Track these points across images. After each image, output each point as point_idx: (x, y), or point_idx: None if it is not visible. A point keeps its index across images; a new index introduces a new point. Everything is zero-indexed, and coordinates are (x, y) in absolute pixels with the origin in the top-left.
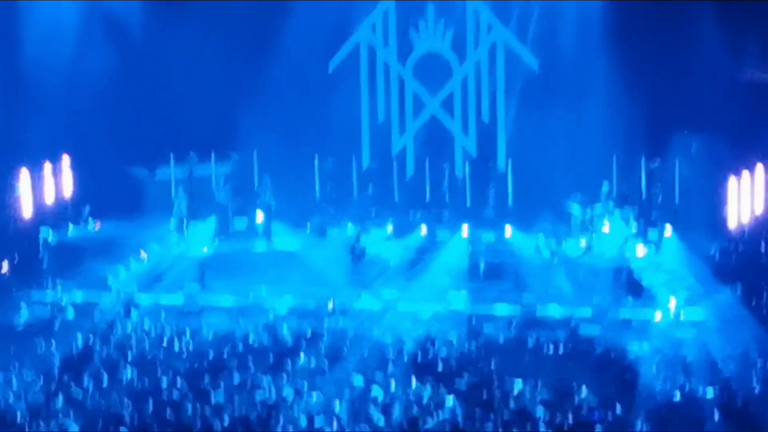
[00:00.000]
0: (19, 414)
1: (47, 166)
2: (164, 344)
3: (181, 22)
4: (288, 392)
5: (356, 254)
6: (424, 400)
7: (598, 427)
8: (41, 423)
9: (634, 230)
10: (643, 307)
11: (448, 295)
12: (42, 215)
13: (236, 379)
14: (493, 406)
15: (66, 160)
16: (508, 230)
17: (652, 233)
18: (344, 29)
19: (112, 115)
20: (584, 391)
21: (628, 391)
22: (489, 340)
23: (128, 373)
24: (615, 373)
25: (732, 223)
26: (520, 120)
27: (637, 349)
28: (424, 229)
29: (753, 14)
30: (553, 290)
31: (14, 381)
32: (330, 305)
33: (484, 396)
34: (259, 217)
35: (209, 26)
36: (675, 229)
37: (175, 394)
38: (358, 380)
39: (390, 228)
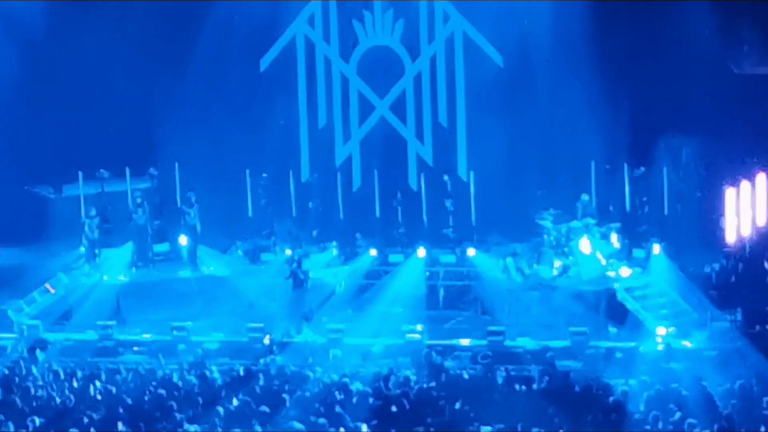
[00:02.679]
0: None
1: None
2: (75, 388)
3: (87, 19)
4: None
5: (299, 280)
6: None
7: None
8: None
9: (616, 248)
10: (629, 336)
11: (402, 326)
12: None
13: (158, 427)
14: None
15: None
16: (471, 251)
17: (638, 251)
18: (277, 21)
19: (10, 126)
20: None
21: None
22: (451, 377)
23: (35, 422)
24: (598, 412)
25: (730, 239)
26: (484, 124)
27: (622, 384)
28: (373, 251)
29: (748, 8)
30: (524, 318)
31: None
32: (266, 340)
33: None
34: (183, 240)
35: (120, 23)
36: (664, 246)
37: None
38: (299, 427)
39: (334, 250)
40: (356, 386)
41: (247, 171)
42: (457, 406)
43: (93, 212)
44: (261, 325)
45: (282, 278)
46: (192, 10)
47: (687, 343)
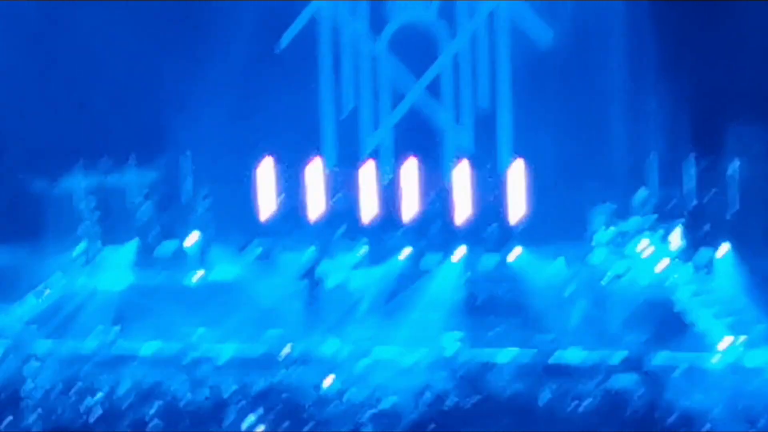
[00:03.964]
0: None
1: None
2: (71, 403)
3: None
4: None
5: (316, 282)
6: None
7: None
8: None
9: (679, 249)
10: (693, 349)
11: (438, 337)
12: None
13: None
14: None
15: None
16: (515, 252)
17: (703, 253)
18: None
19: (4, 114)
20: None
21: None
22: (491, 395)
23: None
24: None
25: None
26: (530, 109)
27: (686, 403)
28: (406, 252)
29: None
30: (574, 329)
31: None
32: (285, 351)
33: None
34: (192, 238)
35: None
36: (733, 247)
37: None
38: None
39: (362, 251)
40: (387, 403)
41: (265, 161)
42: (498, 425)
43: (93, 206)
44: (281, 331)
45: (303, 281)
46: None
47: (759, 357)
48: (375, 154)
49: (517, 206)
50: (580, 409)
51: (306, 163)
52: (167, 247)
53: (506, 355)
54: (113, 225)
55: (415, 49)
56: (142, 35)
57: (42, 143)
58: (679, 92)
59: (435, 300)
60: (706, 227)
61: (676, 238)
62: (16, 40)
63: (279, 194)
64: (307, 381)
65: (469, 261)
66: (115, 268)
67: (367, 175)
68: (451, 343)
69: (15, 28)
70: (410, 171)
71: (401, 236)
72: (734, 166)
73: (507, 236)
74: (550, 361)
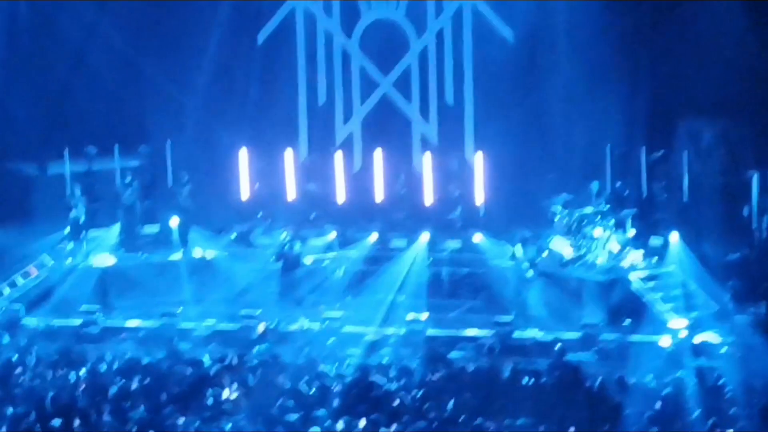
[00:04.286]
0: None
1: None
2: (57, 376)
3: None
4: None
5: (289, 263)
6: None
7: None
8: None
9: (631, 236)
10: (643, 329)
11: (404, 315)
12: None
13: (146, 417)
14: None
15: None
16: (478, 236)
17: (655, 239)
18: None
19: None
20: None
21: None
22: (455, 370)
23: (9, 411)
24: (609, 409)
25: (754, 227)
26: (492, 103)
27: (635, 379)
28: (374, 236)
29: None
30: (533, 308)
31: None
32: (260, 327)
33: None
34: (174, 221)
35: None
36: (683, 234)
37: None
38: (294, 418)
39: (333, 234)
40: (355, 377)
41: (243, 149)
42: (461, 399)
43: (79, 191)
44: (258, 311)
45: (276, 263)
46: None
47: (705, 337)
48: (346, 144)
49: (478, 195)
50: (536, 385)
51: (281, 152)
52: (149, 229)
53: (467, 334)
54: (98, 209)
55: (385, 45)
56: (127, 30)
57: (32, 133)
58: (632, 91)
59: (400, 282)
60: (658, 216)
61: (628, 227)
62: (6, 35)
63: (255, 181)
64: (280, 356)
65: (432, 245)
66: (100, 249)
67: (339, 163)
68: (415, 321)
69: (5, 25)
70: (378, 160)
71: (369, 221)
72: (683, 159)
73: (469, 223)
74: (509, 340)
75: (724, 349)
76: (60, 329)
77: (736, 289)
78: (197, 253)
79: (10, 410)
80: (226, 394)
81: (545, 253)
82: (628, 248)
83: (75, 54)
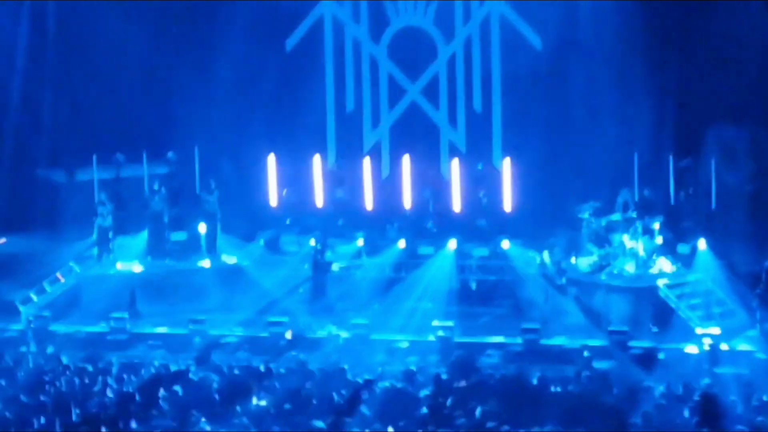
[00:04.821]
0: None
1: None
2: (85, 383)
3: None
4: None
5: (320, 269)
6: None
7: None
8: None
9: (659, 244)
10: (671, 337)
11: (432, 322)
12: None
13: (174, 425)
14: None
15: None
16: (506, 244)
17: (682, 247)
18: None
19: (21, 109)
20: None
21: None
22: (483, 377)
23: (41, 420)
24: (638, 416)
25: None
26: (520, 110)
27: (663, 388)
28: (402, 243)
29: None
30: (560, 316)
31: None
32: (288, 335)
33: None
34: (202, 228)
35: (140, 2)
36: (710, 241)
37: None
38: (320, 425)
39: (360, 241)
40: (382, 385)
41: (271, 156)
42: (489, 406)
43: (107, 198)
44: (285, 319)
45: (305, 270)
46: None
47: (733, 345)
48: (374, 151)
49: (506, 202)
50: (564, 393)
51: (309, 158)
52: (177, 236)
53: (495, 341)
54: (126, 216)
55: (414, 52)
56: (155, 38)
57: (61, 140)
58: (660, 99)
59: (428, 289)
60: (685, 223)
61: (656, 234)
62: (36, 44)
63: (283, 187)
64: (308, 363)
65: (460, 252)
66: (127, 257)
67: (366, 170)
68: (443, 329)
69: (35, 33)
70: (406, 167)
71: (398, 228)
72: (711, 167)
73: (496, 230)
74: (537, 347)
75: (752, 357)
76: (88, 336)
77: (763, 296)
78: (225, 260)
79: (38, 417)
80: (254, 401)
81: (573, 260)
82: (655, 255)
83: (103, 62)
